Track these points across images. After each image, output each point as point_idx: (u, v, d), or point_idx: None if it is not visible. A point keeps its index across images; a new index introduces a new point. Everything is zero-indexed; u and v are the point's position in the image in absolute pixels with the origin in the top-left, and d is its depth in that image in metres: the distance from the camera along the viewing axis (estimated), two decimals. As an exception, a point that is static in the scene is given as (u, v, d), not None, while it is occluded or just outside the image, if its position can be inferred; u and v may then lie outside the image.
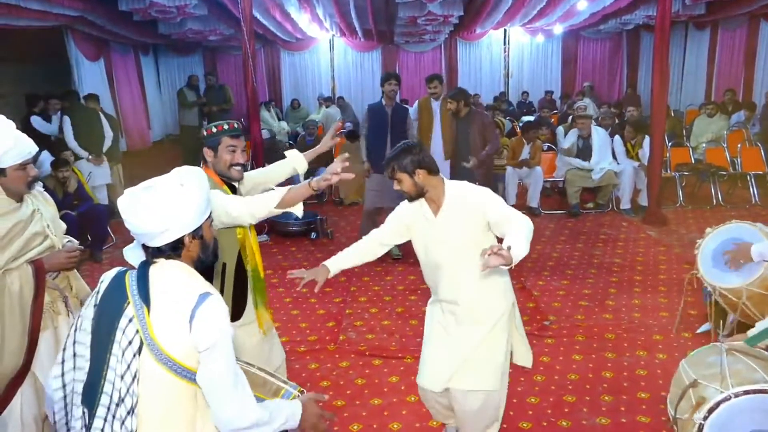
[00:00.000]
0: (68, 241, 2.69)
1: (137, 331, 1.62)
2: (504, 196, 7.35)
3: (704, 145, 8.91)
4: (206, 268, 1.82)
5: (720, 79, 12.65)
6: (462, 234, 2.61)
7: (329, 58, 15.60)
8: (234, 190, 2.67)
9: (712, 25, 12.67)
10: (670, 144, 8.45)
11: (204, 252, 1.78)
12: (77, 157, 7.17)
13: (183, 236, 1.71)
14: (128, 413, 1.61)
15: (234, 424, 1.65)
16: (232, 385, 1.64)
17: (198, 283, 1.70)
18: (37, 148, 2.47)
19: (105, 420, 1.63)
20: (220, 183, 2.60)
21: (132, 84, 13.26)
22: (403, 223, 2.78)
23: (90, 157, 7.35)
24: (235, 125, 2.66)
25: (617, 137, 7.74)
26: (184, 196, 1.69)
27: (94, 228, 6.22)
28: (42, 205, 2.58)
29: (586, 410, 3.33)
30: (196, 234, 1.74)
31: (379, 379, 3.72)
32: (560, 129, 8.63)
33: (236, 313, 2.63)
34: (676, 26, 12.68)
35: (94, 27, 10.00)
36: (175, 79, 15.05)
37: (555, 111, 12.97)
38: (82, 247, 2.68)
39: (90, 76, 11.07)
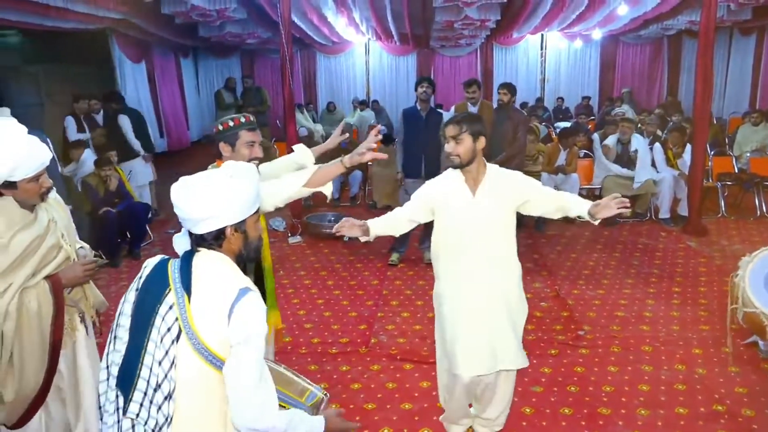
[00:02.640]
0: (80, 248, 2.62)
1: (176, 319, 1.64)
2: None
3: (748, 154, 8.67)
4: (246, 264, 1.84)
5: (766, 86, 12.29)
6: (499, 212, 2.70)
7: (364, 62, 15.67)
8: None
9: (758, 31, 12.32)
10: (712, 153, 8.24)
11: (246, 247, 1.80)
12: (125, 156, 7.33)
13: (225, 227, 1.73)
14: (165, 399, 1.63)
15: (250, 423, 1.64)
16: (255, 384, 1.64)
17: (239, 277, 1.73)
18: (50, 156, 2.37)
19: (141, 405, 1.65)
20: None
21: (172, 86, 13.56)
22: (431, 201, 2.77)
23: (145, 154, 7.58)
24: (251, 118, 2.62)
25: (657, 145, 7.57)
26: (231, 187, 1.72)
27: (134, 225, 6.36)
28: (56, 212, 2.48)
29: (622, 423, 3.26)
30: (239, 227, 1.75)
31: (410, 384, 3.71)
32: (596, 136, 8.50)
33: None
34: (720, 32, 12.36)
35: (137, 29, 10.26)
36: (214, 81, 15.34)
37: (592, 117, 12.78)
38: (98, 258, 2.58)
39: (132, 77, 11.37)
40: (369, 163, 8.92)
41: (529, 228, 6.89)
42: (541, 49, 15.48)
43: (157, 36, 11.17)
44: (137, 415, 1.65)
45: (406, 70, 15.68)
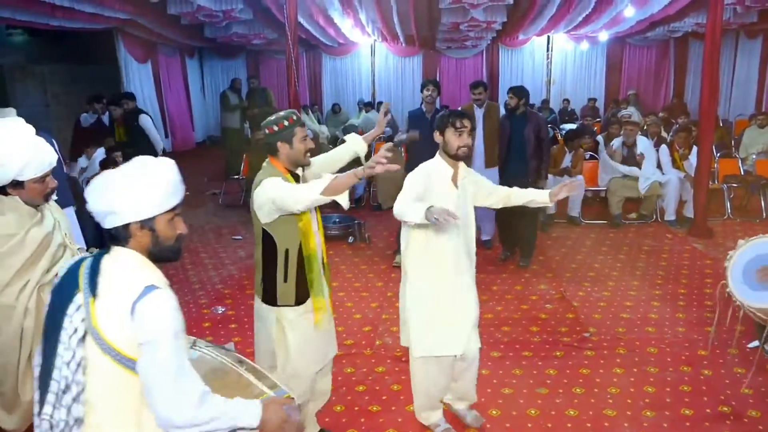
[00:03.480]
0: (78, 249, 2.65)
1: (83, 320, 1.62)
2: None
3: (754, 156, 8.63)
4: (166, 260, 1.79)
5: (772, 88, 12.26)
6: (470, 202, 3.03)
7: (370, 63, 15.70)
8: (297, 179, 2.76)
9: (764, 33, 12.29)
10: (718, 155, 8.21)
11: (156, 245, 1.73)
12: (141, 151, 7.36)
13: (130, 223, 1.68)
14: (73, 400, 1.62)
15: (168, 421, 1.62)
16: (171, 381, 1.60)
17: (148, 274, 1.68)
18: (56, 157, 2.42)
19: (54, 406, 1.64)
20: (285, 172, 2.70)
21: (177, 86, 13.62)
22: (425, 184, 2.86)
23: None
24: (299, 115, 2.80)
25: (663, 147, 7.55)
26: (133, 183, 1.67)
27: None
28: (58, 215, 2.52)
29: (627, 425, 3.25)
30: (147, 224, 1.70)
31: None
32: (600, 138, 8.48)
33: (301, 299, 2.76)
34: (726, 34, 12.33)
35: (143, 30, 10.30)
36: (219, 82, 15.39)
37: (598, 119, 12.76)
38: None
39: (138, 77, 11.42)
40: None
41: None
42: (547, 50, 15.48)
43: (163, 36, 11.23)
44: (50, 416, 1.64)
45: (411, 71, 15.70)
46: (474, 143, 5.97)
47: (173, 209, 1.76)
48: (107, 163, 6.30)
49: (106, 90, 9.24)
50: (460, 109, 6.28)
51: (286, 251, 2.70)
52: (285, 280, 2.72)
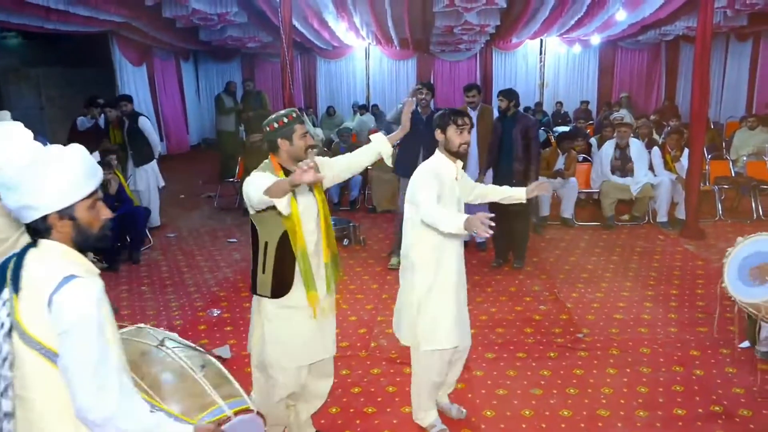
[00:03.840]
0: None
1: (8, 314, 1.62)
2: (537, 207, 7.30)
3: (745, 158, 8.72)
4: (92, 249, 1.77)
5: (762, 91, 12.38)
6: (465, 196, 3.18)
7: (364, 66, 15.73)
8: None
9: (754, 36, 12.41)
10: (709, 157, 8.29)
11: (80, 234, 1.69)
12: (145, 159, 7.38)
13: (48, 215, 1.64)
14: (1, 396, 1.63)
15: (84, 414, 1.60)
16: (90, 375, 1.58)
17: (70, 264, 1.65)
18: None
19: None
20: (278, 170, 2.75)
21: (172, 89, 13.62)
22: (438, 182, 2.96)
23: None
24: (299, 112, 2.88)
25: (655, 149, 7.62)
26: (45, 174, 1.62)
27: (133, 230, 6.37)
28: None
29: (621, 425, 3.29)
30: (66, 214, 1.66)
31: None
32: (593, 140, 8.53)
33: (277, 293, 2.79)
34: (717, 37, 12.43)
35: (138, 33, 10.30)
36: (214, 85, 15.39)
37: (591, 122, 12.84)
38: (95, 258, 2.65)
39: (133, 81, 11.41)
40: (369, 167, 8.94)
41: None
42: (540, 54, 15.56)
43: (157, 40, 11.23)
44: None
45: (406, 74, 15.74)
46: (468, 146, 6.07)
47: (91, 195, 1.71)
48: (102, 166, 6.30)
49: (101, 93, 9.23)
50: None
51: (266, 244, 2.77)
52: (263, 272, 2.79)
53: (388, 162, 3.19)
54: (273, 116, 2.80)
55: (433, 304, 3.03)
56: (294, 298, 2.80)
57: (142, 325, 2.31)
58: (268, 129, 2.77)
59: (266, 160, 2.83)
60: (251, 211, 2.74)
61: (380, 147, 3.12)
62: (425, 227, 2.94)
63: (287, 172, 2.72)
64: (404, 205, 3.12)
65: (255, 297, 2.90)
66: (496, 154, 5.85)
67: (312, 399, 3.12)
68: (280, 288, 2.78)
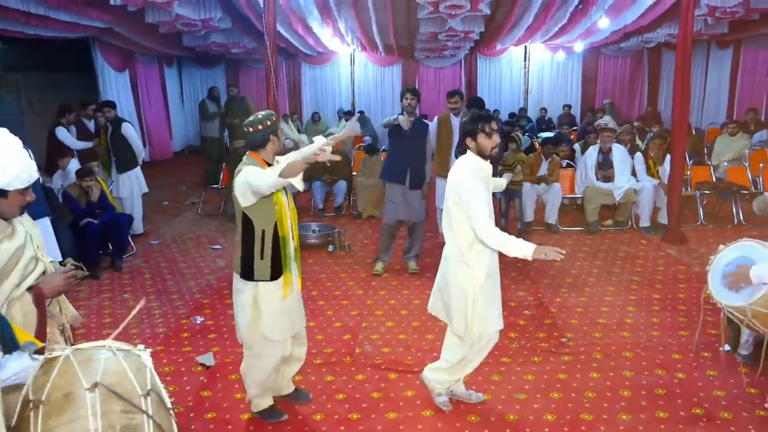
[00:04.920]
0: (51, 261, 2.58)
1: None
2: (521, 212, 7.34)
3: (726, 163, 8.84)
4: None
5: (742, 98, 12.56)
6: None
7: (350, 72, 15.74)
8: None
9: (734, 44, 12.60)
10: (691, 162, 8.39)
11: None
12: (128, 166, 7.30)
13: None
14: None
15: None
16: None
17: None
18: (38, 175, 2.41)
19: None
20: (263, 164, 3.11)
21: (155, 95, 13.52)
22: (483, 185, 3.16)
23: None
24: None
25: (638, 154, 7.70)
26: None
27: (116, 237, 6.31)
28: (29, 227, 2.47)
29: (604, 429, 3.30)
30: None
31: (394, 393, 3.72)
32: (577, 146, 8.60)
33: (275, 275, 3.14)
34: (698, 44, 12.63)
35: (121, 39, 10.22)
36: (198, 91, 15.30)
37: (574, 128, 12.94)
38: (78, 269, 2.54)
39: (115, 86, 11.32)
40: (354, 173, 8.96)
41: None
42: (525, 60, 15.67)
43: (140, 45, 11.15)
44: None
45: (391, 80, 15.77)
46: (451, 151, 6.10)
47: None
48: (84, 173, 6.24)
49: (83, 99, 9.15)
50: (436, 118, 6.35)
51: (263, 232, 3.08)
52: (261, 258, 3.10)
53: (283, 160, 3.27)
54: (260, 117, 3.12)
55: (488, 293, 3.23)
56: (281, 279, 3.16)
57: (107, 343, 1.96)
58: (261, 127, 3.09)
59: (246, 158, 3.13)
60: (245, 204, 3.03)
61: (316, 145, 3.30)
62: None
63: (269, 165, 3.12)
64: (448, 204, 3.23)
65: (240, 286, 3.19)
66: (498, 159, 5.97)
67: (294, 363, 3.55)
68: (276, 270, 3.13)
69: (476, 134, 3.17)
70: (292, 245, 3.21)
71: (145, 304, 2.59)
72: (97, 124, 7.69)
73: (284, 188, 3.11)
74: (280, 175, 2.86)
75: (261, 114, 3.15)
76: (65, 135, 7.52)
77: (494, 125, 3.17)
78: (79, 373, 1.79)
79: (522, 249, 2.86)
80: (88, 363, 1.83)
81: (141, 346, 1.99)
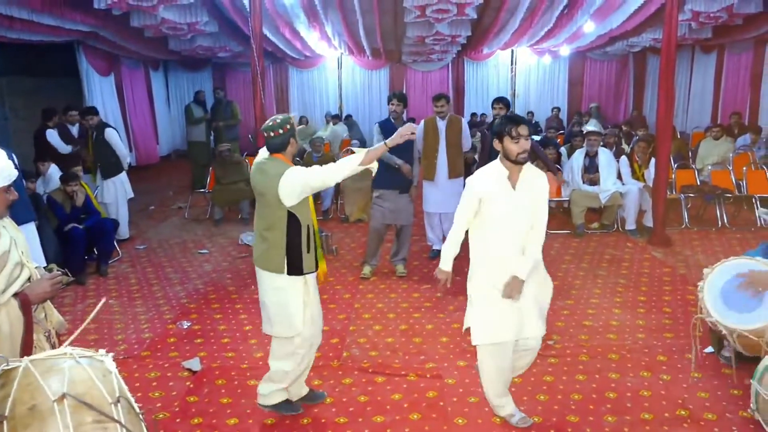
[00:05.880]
0: (36, 267, 2.55)
1: None
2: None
3: (710, 167, 8.93)
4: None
5: (726, 102, 12.69)
6: (532, 204, 3.14)
7: (337, 76, 15.74)
8: None
9: (718, 48, 12.74)
10: (675, 166, 8.47)
11: None
12: (112, 171, 7.24)
13: None
14: None
15: None
16: None
17: None
18: (17, 173, 2.41)
19: None
20: (291, 163, 3.25)
21: (141, 99, 13.42)
22: (479, 195, 3.13)
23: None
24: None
25: (623, 158, 7.76)
26: None
27: (101, 242, 6.26)
28: (14, 233, 2.44)
29: (589, 430, 3.32)
30: None
31: (382, 397, 3.72)
32: (564, 149, 8.65)
33: (316, 266, 3.35)
34: (682, 49, 12.76)
35: (106, 42, 10.15)
36: (184, 95, 15.21)
37: (561, 131, 13.02)
38: (64, 274, 2.52)
39: (100, 90, 11.23)
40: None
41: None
42: (511, 64, 15.76)
43: (126, 49, 11.08)
44: None
45: (378, 84, 15.79)
46: (437, 155, 6.11)
47: None
48: (69, 178, 6.19)
49: (68, 103, 9.06)
50: (423, 122, 6.35)
51: (308, 227, 3.26)
52: (308, 251, 3.25)
53: (361, 150, 3.30)
54: (278, 122, 3.22)
55: (494, 298, 3.22)
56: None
57: (67, 350, 1.87)
58: (281, 131, 3.19)
59: (270, 159, 3.25)
60: (292, 203, 3.13)
61: (357, 157, 3.19)
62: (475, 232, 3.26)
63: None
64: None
65: (284, 283, 3.23)
66: (486, 163, 5.76)
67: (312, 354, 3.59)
68: (316, 262, 3.34)
69: (503, 137, 3.05)
70: None
71: (105, 302, 2.51)
72: (83, 128, 7.62)
73: None
74: (361, 163, 3.12)
75: (279, 118, 3.24)
76: (55, 138, 7.46)
77: (522, 130, 3.02)
78: (43, 384, 1.71)
79: (442, 260, 3.33)
80: (51, 373, 1.76)
81: (102, 351, 1.93)
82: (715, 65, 13.05)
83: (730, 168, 8.53)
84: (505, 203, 3.10)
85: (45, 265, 2.98)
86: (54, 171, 6.84)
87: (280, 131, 3.20)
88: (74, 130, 7.88)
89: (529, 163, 3.17)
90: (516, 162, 3.07)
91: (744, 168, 8.35)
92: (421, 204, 6.44)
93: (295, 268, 3.23)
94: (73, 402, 1.68)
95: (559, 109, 14.80)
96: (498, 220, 3.12)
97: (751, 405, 2.49)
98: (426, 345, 4.46)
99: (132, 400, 1.84)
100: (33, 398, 1.68)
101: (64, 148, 7.47)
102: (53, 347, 2.50)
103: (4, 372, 1.74)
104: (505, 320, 3.17)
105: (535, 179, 3.17)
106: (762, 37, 10.93)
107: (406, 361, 4.19)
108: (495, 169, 3.15)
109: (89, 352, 1.88)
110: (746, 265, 3.49)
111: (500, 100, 6.14)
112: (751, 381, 2.50)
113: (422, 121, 6.40)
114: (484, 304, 3.21)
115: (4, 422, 1.64)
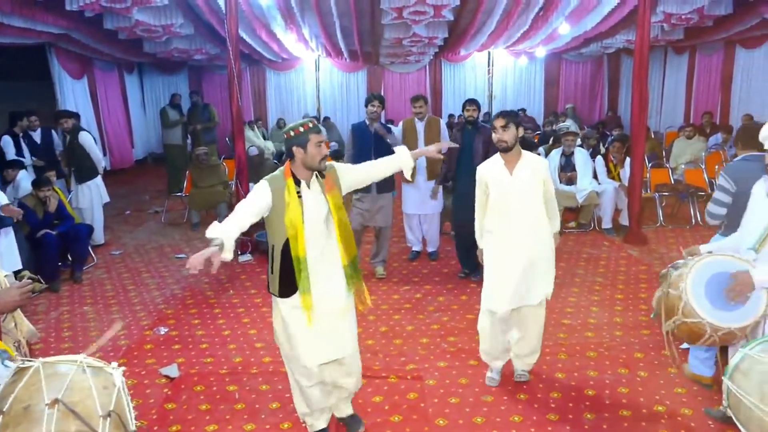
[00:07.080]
0: (6, 275, 2.49)
1: None
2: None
3: (683, 166, 9.08)
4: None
5: (698, 102, 12.93)
6: (531, 187, 3.55)
7: (315, 78, 15.69)
8: (323, 176, 3.00)
9: (690, 49, 12.98)
10: (650, 165, 8.59)
11: None
12: (87, 176, 7.11)
13: None
14: None
15: None
16: None
17: None
18: None
19: None
20: (288, 176, 2.91)
21: (115, 102, 13.23)
22: (485, 179, 3.64)
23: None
24: (316, 122, 3.02)
25: (599, 158, 7.85)
26: None
27: (75, 248, 6.15)
28: None
29: (569, 428, 3.34)
30: None
31: (363, 399, 3.70)
32: (541, 150, 8.73)
33: (285, 293, 2.96)
34: (655, 50, 12.96)
35: (78, 45, 9.98)
36: (160, 98, 15.03)
37: (538, 132, 13.14)
38: (36, 282, 2.43)
39: (72, 94, 11.04)
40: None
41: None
42: (488, 65, 15.86)
43: (99, 51, 10.91)
44: None
45: (356, 86, 15.79)
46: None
47: None
48: (41, 183, 6.07)
49: (40, 107, 8.91)
50: (401, 123, 6.34)
51: (272, 247, 2.97)
52: (272, 272, 2.99)
53: (407, 175, 3.30)
54: (291, 125, 2.96)
55: (494, 270, 3.70)
56: (299, 300, 2.94)
57: (79, 358, 1.91)
58: (285, 137, 2.95)
59: (281, 168, 2.98)
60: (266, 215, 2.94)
61: (402, 162, 3.26)
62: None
63: (296, 179, 2.91)
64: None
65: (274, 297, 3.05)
66: (455, 166, 5.73)
67: (340, 391, 3.26)
68: (286, 289, 2.94)
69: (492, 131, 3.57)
70: (332, 266, 3.00)
71: (120, 328, 2.44)
72: (63, 133, 7.45)
73: (320, 212, 2.94)
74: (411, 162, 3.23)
75: (297, 122, 2.98)
76: (10, 146, 7.29)
77: (497, 122, 3.51)
78: (44, 387, 1.77)
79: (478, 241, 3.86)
80: (54, 377, 1.82)
81: (114, 364, 1.96)
82: (687, 66, 13.29)
83: (703, 167, 8.68)
84: (503, 185, 3.56)
85: (20, 269, 2.90)
86: (23, 176, 6.70)
87: (291, 134, 2.91)
88: (36, 135, 7.70)
89: (526, 151, 3.64)
90: (500, 150, 3.56)
91: (716, 166, 8.49)
92: (400, 206, 6.44)
93: (269, 283, 3.06)
94: (63, 408, 1.72)
95: (524, 109, 14.93)
96: (498, 199, 3.59)
97: (723, 402, 2.51)
98: (406, 346, 4.45)
99: (129, 417, 1.85)
100: (30, 398, 1.74)
101: (11, 156, 7.29)
102: (25, 356, 2.45)
103: (18, 370, 1.81)
104: (503, 293, 3.58)
105: (533, 164, 3.59)
106: (732, 38, 11.16)
107: (386, 363, 4.18)
108: (496, 158, 3.65)
109: (101, 363, 1.90)
110: (723, 263, 3.32)
111: (473, 102, 6.15)
112: (722, 378, 2.52)
113: (401, 123, 6.40)
114: (488, 273, 3.70)
115: (0, 417, 1.69)
